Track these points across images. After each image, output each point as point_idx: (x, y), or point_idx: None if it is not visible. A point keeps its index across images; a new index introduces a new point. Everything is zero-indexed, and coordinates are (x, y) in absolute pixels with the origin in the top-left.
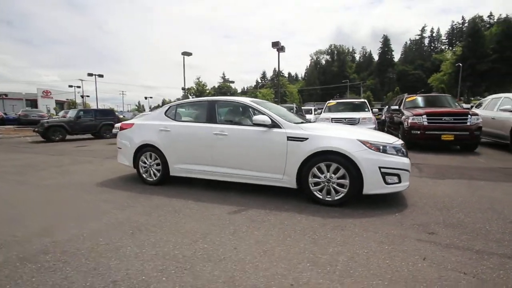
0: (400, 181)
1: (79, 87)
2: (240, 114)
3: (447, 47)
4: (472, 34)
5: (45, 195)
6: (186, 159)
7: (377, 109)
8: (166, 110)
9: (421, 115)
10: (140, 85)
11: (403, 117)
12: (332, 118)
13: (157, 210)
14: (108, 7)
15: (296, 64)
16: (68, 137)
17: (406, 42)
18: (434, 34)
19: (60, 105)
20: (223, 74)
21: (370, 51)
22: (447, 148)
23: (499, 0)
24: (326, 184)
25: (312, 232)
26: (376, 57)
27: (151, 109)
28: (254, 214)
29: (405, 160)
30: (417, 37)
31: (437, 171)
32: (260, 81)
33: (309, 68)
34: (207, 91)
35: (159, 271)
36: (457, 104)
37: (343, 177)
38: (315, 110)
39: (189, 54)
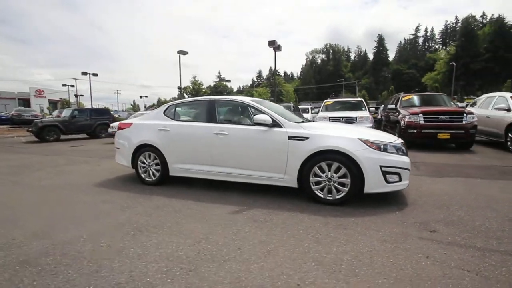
0: (400, 180)
1: (73, 86)
2: (240, 114)
3: (441, 47)
4: (465, 34)
5: (41, 196)
6: (186, 159)
7: (373, 108)
8: (165, 110)
9: (417, 114)
10: (135, 84)
11: (400, 115)
12: (329, 117)
13: (157, 211)
14: (101, 5)
15: (292, 63)
16: (62, 137)
17: (400, 42)
18: (428, 34)
19: (53, 104)
20: (219, 73)
21: (365, 50)
22: (442, 146)
23: (492, 0)
24: (327, 183)
25: (315, 232)
26: (371, 56)
27: (146, 108)
28: (256, 214)
29: (405, 159)
30: (412, 37)
31: (434, 169)
32: (256, 80)
33: (304, 67)
34: (203, 90)
35: (163, 273)
36: (452, 103)
37: (344, 176)
38: (311, 109)
39: (185, 52)
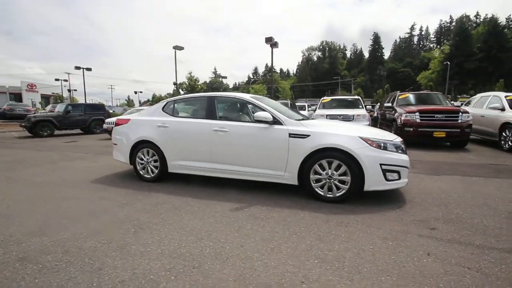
0: (400, 178)
1: (66, 80)
2: (240, 110)
3: (435, 46)
4: (459, 33)
5: (38, 192)
6: (185, 155)
7: (370, 106)
8: (164, 106)
9: (414, 112)
10: (129, 79)
11: (396, 114)
12: (327, 115)
13: (157, 208)
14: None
15: (288, 60)
16: (56, 132)
17: (395, 40)
18: (423, 33)
19: (45, 99)
20: (215, 69)
21: (361, 48)
22: (438, 144)
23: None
24: (328, 180)
25: (316, 229)
26: (366, 54)
27: (141, 104)
28: (257, 211)
29: (405, 157)
30: (407, 35)
31: (432, 168)
32: (252, 76)
33: (301, 65)
34: (199, 86)
35: (167, 270)
36: (448, 102)
37: (344, 174)
38: (308, 106)
39: (180, 48)
